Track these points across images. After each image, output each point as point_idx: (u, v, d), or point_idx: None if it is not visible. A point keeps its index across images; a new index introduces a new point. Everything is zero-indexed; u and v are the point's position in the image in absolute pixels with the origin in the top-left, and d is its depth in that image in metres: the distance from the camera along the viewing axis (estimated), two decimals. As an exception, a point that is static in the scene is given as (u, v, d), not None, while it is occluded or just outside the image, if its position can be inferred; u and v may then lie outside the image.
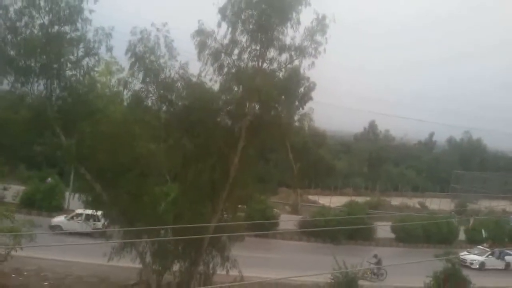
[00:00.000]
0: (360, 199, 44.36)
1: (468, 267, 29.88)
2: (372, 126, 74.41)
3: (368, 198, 47.13)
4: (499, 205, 49.52)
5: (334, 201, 44.40)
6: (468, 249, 34.33)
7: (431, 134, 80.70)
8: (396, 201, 51.42)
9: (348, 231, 32.76)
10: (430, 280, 24.88)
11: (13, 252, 18.78)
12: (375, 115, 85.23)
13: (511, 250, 34.22)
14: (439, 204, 49.75)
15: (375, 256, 27.19)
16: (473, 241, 36.58)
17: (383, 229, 35.51)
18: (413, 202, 52.34)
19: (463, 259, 31.13)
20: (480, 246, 34.64)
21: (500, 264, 33.20)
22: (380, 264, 26.65)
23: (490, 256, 33.20)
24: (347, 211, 35.05)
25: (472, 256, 32.69)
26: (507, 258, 33.69)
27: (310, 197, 49.18)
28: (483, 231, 38.25)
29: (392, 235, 36.14)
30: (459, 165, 66.51)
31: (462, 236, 38.42)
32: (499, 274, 31.35)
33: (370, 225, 34.55)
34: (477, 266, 31.49)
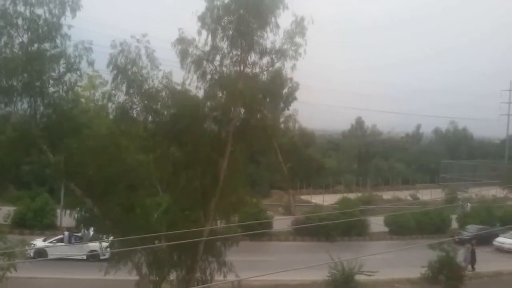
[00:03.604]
0: (352, 196, 44.67)
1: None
2: (359, 122, 75.11)
3: (359, 194, 47.49)
4: (489, 191, 50.09)
5: (326, 200, 44.69)
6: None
7: (418, 126, 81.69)
8: (388, 195, 51.85)
9: (342, 227, 33.04)
10: (426, 270, 25.13)
11: (8, 274, 18.57)
12: (362, 112, 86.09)
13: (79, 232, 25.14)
14: (431, 195, 50.25)
15: None
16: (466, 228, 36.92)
17: (377, 223, 35.85)
18: (405, 194, 52.81)
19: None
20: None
21: (78, 253, 24.88)
22: None
23: (55, 241, 25.52)
24: (340, 208, 35.29)
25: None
26: (94, 245, 24.24)
27: (303, 197, 49.46)
28: None
29: (386, 229, 36.48)
30: (446, 155, 67.38)
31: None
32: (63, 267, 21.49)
33: (363, 219, 34.80)
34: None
